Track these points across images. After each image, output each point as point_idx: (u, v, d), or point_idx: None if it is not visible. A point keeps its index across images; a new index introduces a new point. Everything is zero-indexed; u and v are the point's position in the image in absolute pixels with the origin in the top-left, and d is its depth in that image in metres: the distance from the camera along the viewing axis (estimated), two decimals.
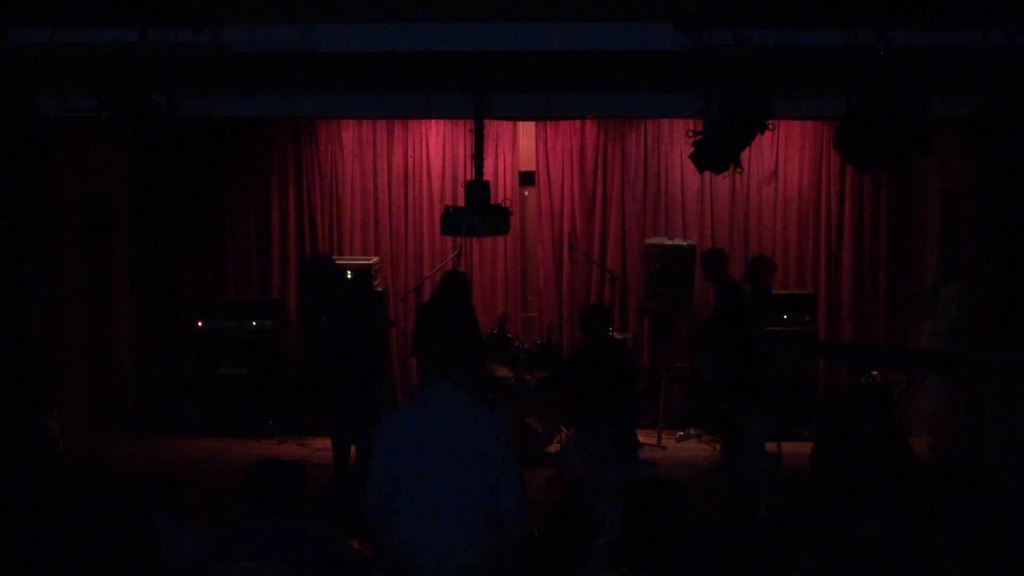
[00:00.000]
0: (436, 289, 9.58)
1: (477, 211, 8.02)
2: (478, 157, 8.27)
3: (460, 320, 5.18)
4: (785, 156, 11.11)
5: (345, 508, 6.61)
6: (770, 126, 6.49)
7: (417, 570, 4.71)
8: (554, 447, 9.66)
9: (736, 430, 9.48)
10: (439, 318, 5.28)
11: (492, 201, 8.24)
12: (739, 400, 9.45)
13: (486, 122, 8.47)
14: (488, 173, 8.79)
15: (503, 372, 9.98)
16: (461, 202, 8.32)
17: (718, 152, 6.62)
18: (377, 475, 4.80)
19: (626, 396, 8.77)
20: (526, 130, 11.19)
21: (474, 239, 10.54)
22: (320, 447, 9.88)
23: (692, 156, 6.73)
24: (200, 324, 10.89)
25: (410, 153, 11.25)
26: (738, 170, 6.79)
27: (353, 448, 9.16)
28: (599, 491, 6.46)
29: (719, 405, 9.69)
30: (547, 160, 11.21)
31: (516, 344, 10.05)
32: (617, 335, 10.14)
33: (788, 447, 9.69)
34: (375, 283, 10.65)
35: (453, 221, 8.11)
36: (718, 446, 10.05)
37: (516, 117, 10.78)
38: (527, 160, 11.23)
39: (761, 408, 9.49)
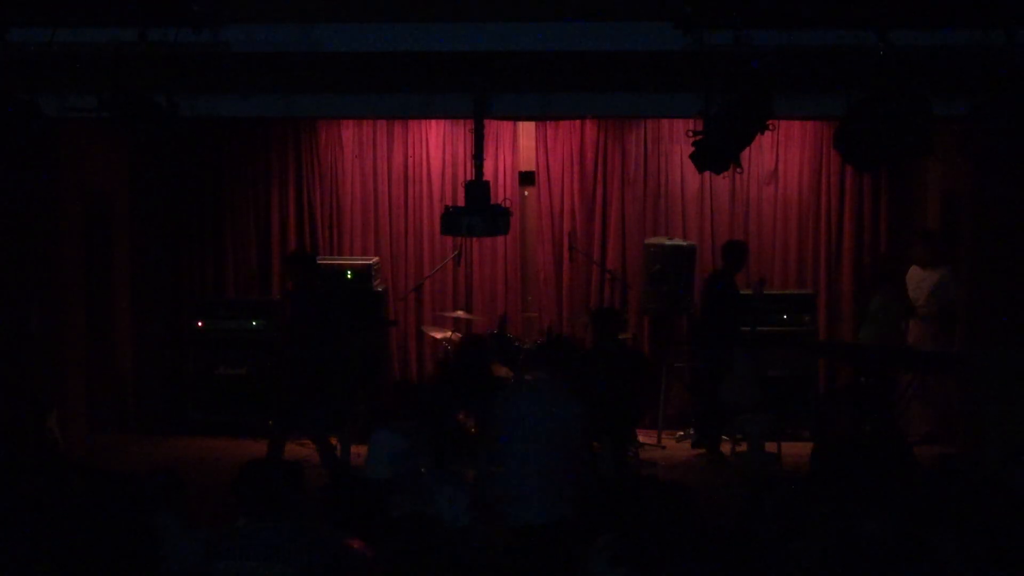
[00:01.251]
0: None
1: (477, 211, 8.00)
2: (478, 157, 8.25)
3: None
4: (785, 156, 11.09)
5: (344, 507, 6.59)
6: (770, 126, 6.50)
7: (521, 518, 5.94)
8: None
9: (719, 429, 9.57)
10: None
11: (492, 201, 8.22)
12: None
13: (486, 122, 8.45)
14: (488, 173, 8.78)
15: (503, 372, 9.97)
16: (461, 202, 8.30)
17: (718, 152, 6.62)
18: (489, 444, 6.22)
19: (627, 396, 8.76)
20: (526, 130, 11.17)
21: (474, 239, 10.51)
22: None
23: (692, 156, 6.73)
24: (200, 324, 10.86)
25: (410, 153, 11.23)
26: (738, 170, 6.80)
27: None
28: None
29: (716, 404, 9.69)
30: (547, 160, 11.19)
31: (516, 344, 10.04)
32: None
33: (788, 447, 9.69)
34: (375, 283, 10.64)
35: (453, 221, 8.10)
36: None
37: (516, 117, 10.76)
38: (527, 160, 11.21)
39: (760, 408, 9.51)
